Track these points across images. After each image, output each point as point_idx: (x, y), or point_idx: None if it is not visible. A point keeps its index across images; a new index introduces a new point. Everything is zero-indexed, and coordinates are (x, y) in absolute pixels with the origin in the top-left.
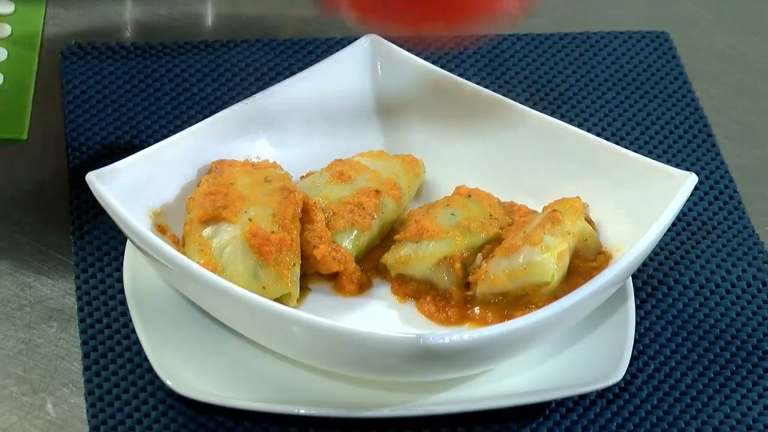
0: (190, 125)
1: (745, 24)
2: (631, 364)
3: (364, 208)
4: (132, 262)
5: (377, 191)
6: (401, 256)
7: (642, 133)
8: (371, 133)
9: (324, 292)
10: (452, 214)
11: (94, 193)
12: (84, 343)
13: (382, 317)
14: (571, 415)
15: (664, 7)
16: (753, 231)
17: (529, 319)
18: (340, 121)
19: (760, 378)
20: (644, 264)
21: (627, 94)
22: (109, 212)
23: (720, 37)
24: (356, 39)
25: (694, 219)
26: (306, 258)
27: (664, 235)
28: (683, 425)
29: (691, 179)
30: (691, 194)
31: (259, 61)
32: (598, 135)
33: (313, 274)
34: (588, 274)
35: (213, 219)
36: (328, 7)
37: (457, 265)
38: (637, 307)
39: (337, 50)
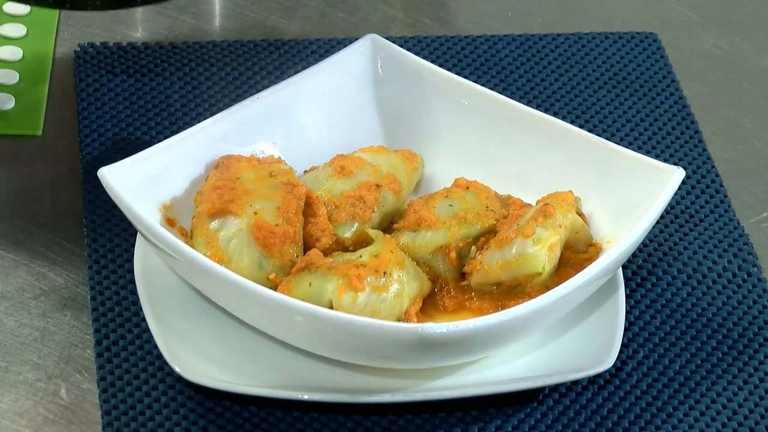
0: (199, 122)
1: (730, 25)
2: (621, 352)
3: (364, 202)
4: (142, 253)
5: (377, 185)
6: (399, 244)
7: (632, 130)
8: (372, 129)
9: None
10: (450, 205)
11: (105, 188)
12: (96, 331)
13: None
14: (564, 400)
15: (652, 9)
16: (738, 223)
17: (523, 309)
18: (342, 117)
19: (745, 364)
20: (634, 255)
21: (617, 92)
22: (120, 206)
23: (706, 37)
24: (357, 39)
25: (682, 212)
26: (309, 250)
27: (653, 227)
28: (672, 410)
29: (678, 173)
30: (679, 188)
31: (264, 60)
32: (589, 131)
33: None
34: (579, 266)
35: (220, 212)
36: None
37: (453, 255)
38: (627, 297)
39: (339, 50)
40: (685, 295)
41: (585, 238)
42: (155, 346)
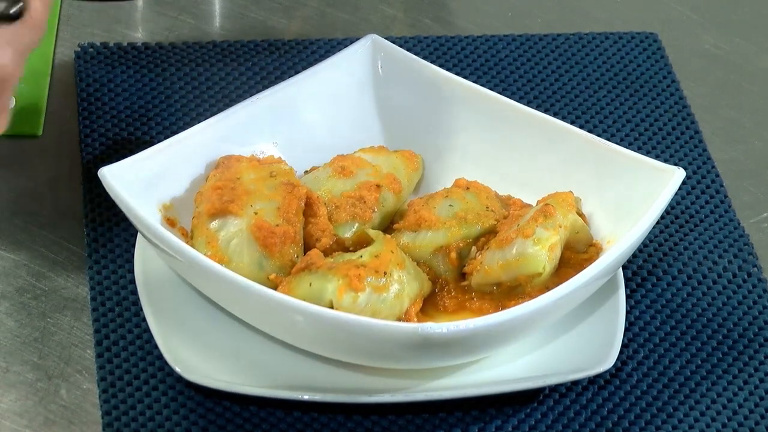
0: (199, 122)
1: (730, 25)
2: (621, 352)
3: (365, 202)
4: (143, 253)
5: (378, 185)
6: (399, 244)
7: (632, 130)
8: (372, 129)
9: None
10: (450, 205)
11: (106, 188)
12: (96, 331)
13: None
14: (564, 401)
15: (652, 9)
16: (738, 223)
17: (524, 309)
18: (342, 117)
19: (745, 365)
20: (634, 255)
21: (617, 92)
22: (121, 206)
23: (706, 37)
24: (358, 39)
25: (682, 212)
26: (309, 250)
27: (653, 227)
28: (672, 410)
29: (678, 173)
30: (679, 188)
31: (264, 60)
32: (590, 132)
33: None
34: (579, 266)
35: (220, 212)
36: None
37: (453, 255)
38: (628, 297)
39: (340, 50)
40: (685, 296)
41: (585, 239)
42: (155, 346)
